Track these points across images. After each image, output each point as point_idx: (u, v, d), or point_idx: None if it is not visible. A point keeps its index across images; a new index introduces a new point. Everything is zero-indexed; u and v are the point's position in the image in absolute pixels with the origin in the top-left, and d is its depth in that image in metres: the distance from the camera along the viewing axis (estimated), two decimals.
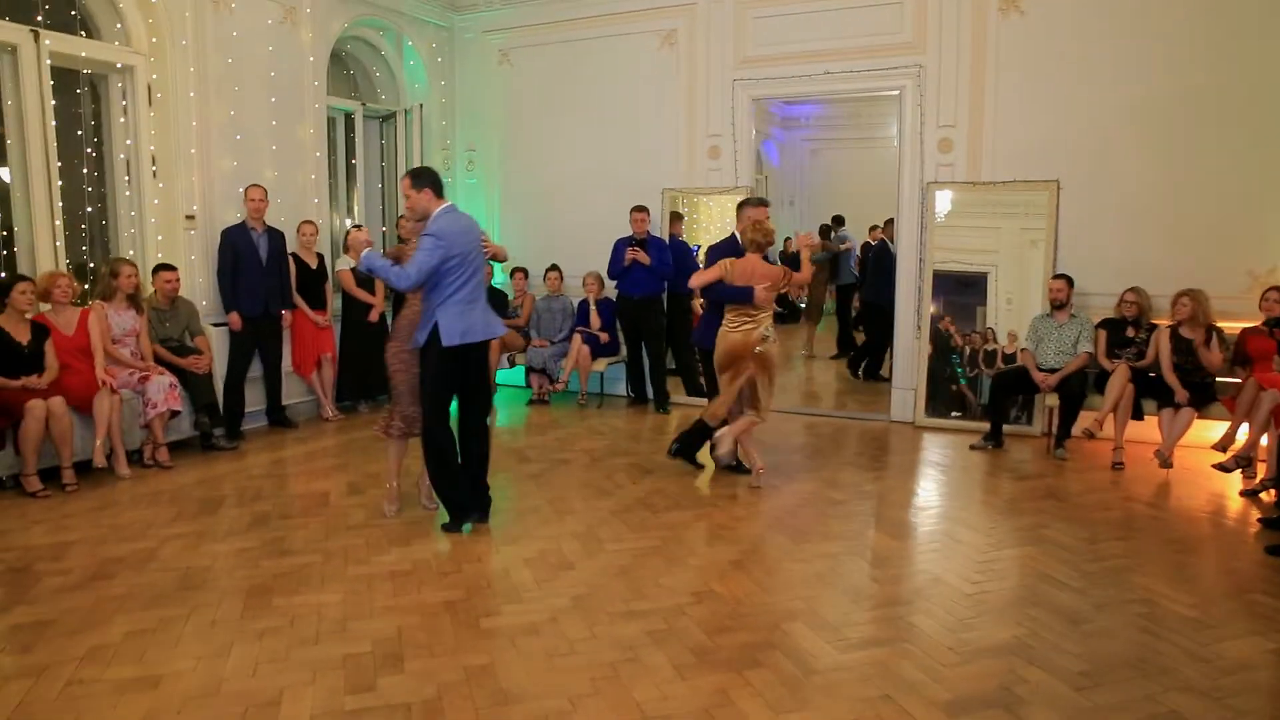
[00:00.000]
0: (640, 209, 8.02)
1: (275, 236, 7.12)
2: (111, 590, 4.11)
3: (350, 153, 8.97)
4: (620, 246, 8.08)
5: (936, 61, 7.28)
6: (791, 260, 14.19)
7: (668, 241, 8.26)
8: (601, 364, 8.44)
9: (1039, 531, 4.92)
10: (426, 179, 4.75)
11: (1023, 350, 6.89)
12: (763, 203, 6.13)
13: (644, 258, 7.90)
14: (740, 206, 6.03)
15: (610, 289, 8.43)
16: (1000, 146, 7.15)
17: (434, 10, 9.13)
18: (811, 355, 11.33)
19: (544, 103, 9.06)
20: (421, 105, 9.22)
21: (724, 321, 5.68)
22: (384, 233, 9.34)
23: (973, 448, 6.73)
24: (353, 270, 7.56)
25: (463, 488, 4.94)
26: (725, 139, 8.16)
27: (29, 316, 5.73)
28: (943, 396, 7.46)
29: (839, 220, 12.82)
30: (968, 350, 7.35)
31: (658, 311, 8.23)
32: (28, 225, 6.24)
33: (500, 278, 9.25)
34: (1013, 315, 7.23)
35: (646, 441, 7.11)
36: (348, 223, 8.95)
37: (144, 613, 3.86)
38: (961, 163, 7.29)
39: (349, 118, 8.88)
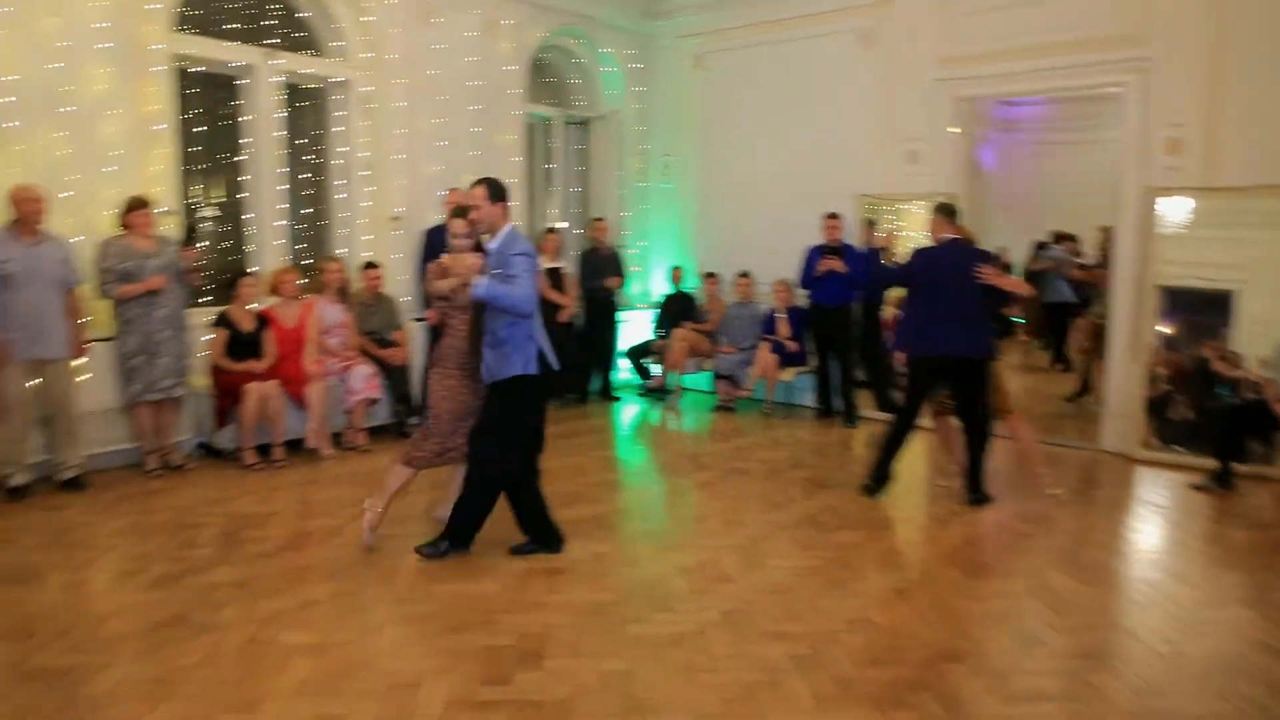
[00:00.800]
0: (833, 215, 7.80)
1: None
2: (298, 561, 4.45)
3: (548, 158, 9.29)
4: (813, 254, 7.87)
5: (1167, 53, 6.52)
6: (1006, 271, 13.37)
7: (863, 249, 7.96)
8: (789, 373, 8.25)
9: (1266, 592, 4.28)
10: (503, 193, 4.40)
11: (1268, 380, 6.06)
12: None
13: (840, 266, 7.65)
14: (947, 211, 5.63)
15: (800, 297, 8.23)
16: (1242, 147, 6.28)
17: (630, 17, 9.28)
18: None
19: (738, 106, 8.99)
20: (617, 111, 9.41)
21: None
22: (578, 234, 9.58)
23: (1194, 488, 5.95)
24: (548, 271, 7.79)
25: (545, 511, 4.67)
26: (925, 142, 7.74)
27: (253, 307, 6.31)
28: (1206, 434, 6.54)
29: (1059, 237, 11.87)
30: (1240, 383, 6.41)
31: (850, 321, 7.94)
32: (257, 226, 6.89)
33: (693, 281, 9.25)
34: (1267, 340, 6.32)
35: (829, 455, 6.87)
36: (555, 225, 9.25)
37: (321, 585, 4.13)
38: (1194, 166, 6.49)
39: (547, 124, 9.20)
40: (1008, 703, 3.18)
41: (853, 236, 8.02)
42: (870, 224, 8.26)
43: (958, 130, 7.75)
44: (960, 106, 7.75)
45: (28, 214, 5.23)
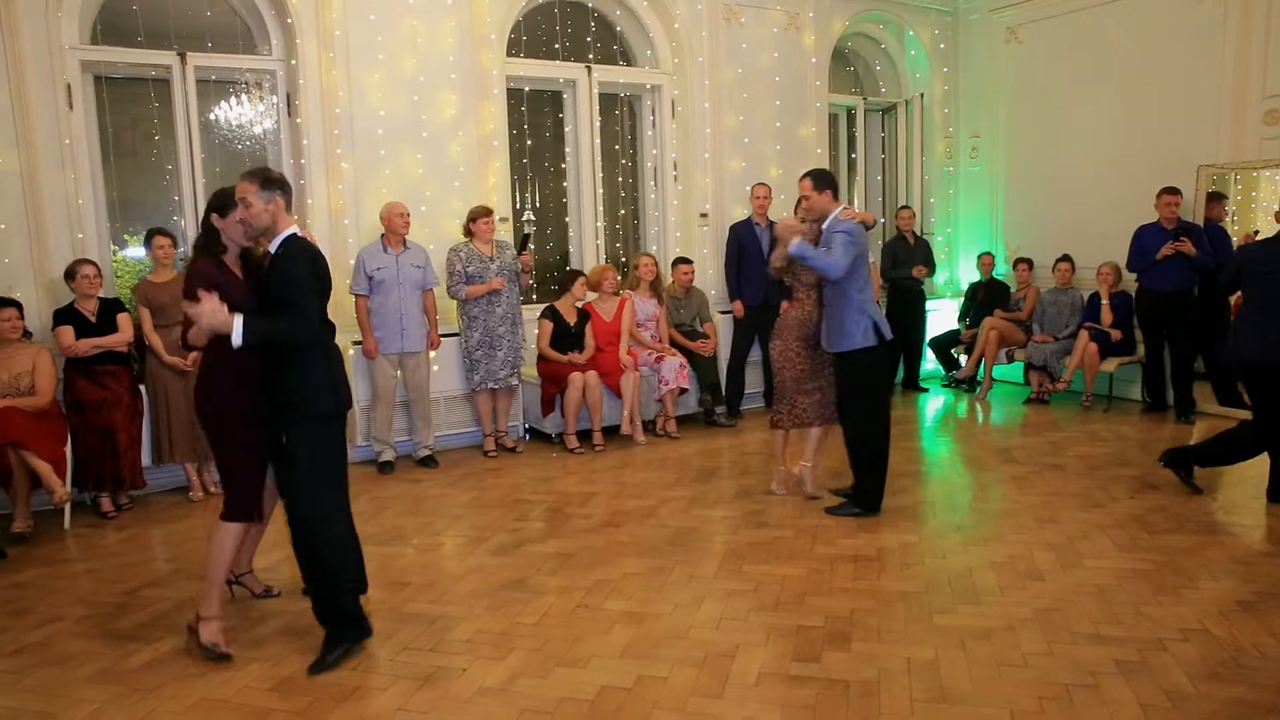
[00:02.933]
0: (1171, 191, 7.07)
1: None
2: (618, 537, 4.85)
3: (851, 147, 9.24)
4: (1143, 235, 7.18)
5: None
6: None
7: (1203, 227, 7.17)
8: (1111, 364, 7.63)
9: None
10: (829, 182, 5.01)
11: None
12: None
13: (1189, 248, 6.92)
14: None
15: (1127, 281, 7.57)
16: None
17: None
18: None
19: (1057, 79, 8.42)
20: (923, 95, 9.17)
21: None
22: (882, 223, 9.44)
23: None
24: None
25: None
26: None
27: (576, 302, 6.89)
28: None
29: None
30: None
31: (1188, 308, 7.18)
32: (578, 226, 7.52)
33: (1003, 268, 8.82)
34: None
35: (1158, 453, 6.26)
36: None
37: (640, 559, 4.49)
38: None
39: (850, 113, 9.15)
40: None
41: (1188, 213, 7.25)
42: (1216, 197, 7.42)
43: None
44: None
45: (396, 227, 6.10)
